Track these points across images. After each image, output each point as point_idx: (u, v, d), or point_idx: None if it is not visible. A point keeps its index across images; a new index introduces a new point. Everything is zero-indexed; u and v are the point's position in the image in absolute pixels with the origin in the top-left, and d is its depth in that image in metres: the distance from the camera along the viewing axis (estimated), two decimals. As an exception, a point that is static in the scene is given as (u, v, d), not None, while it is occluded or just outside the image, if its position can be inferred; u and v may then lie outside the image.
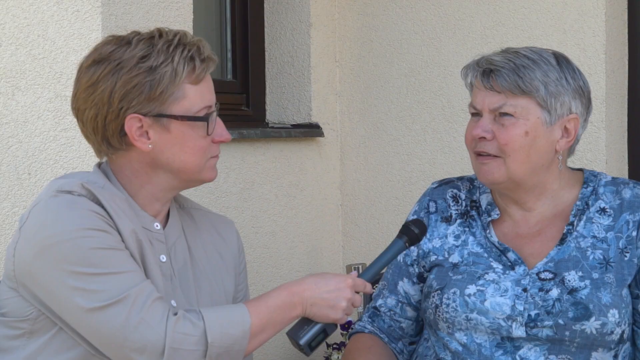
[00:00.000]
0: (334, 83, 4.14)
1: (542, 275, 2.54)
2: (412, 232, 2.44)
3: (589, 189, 2.63)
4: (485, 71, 2.54)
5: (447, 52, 3.90)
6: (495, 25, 3.80)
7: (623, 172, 3.77)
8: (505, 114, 2.51)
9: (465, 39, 3.86)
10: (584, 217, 2.60)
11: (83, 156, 2.97)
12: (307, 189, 4.02)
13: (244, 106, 3.99)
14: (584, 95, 2.58)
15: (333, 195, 4.16)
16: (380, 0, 4.04)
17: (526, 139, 2.51)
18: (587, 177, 2.66)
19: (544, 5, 3.71)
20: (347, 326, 3.56)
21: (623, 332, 2.52)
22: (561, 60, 2.57)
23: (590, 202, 2.61)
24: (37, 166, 3.00)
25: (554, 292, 2.51)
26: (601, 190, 2.63)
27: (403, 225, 2.48)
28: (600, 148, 3.64)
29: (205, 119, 2.29)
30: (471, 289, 2.56)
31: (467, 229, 2.67)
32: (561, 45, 3.62)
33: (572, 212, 2.60)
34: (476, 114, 2.58)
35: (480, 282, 2.56)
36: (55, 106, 2.98)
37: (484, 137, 2.54)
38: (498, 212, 2.65)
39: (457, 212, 2.71)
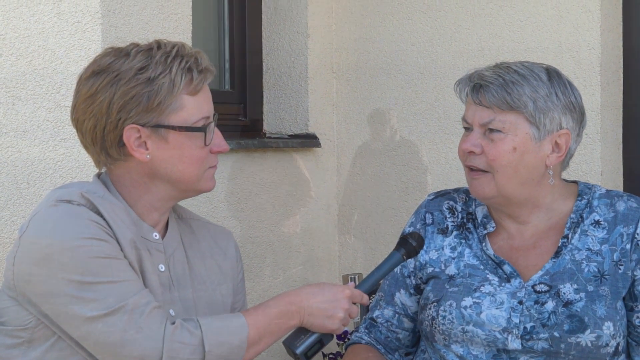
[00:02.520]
0: (332, 94, 4.16)
1: (538, 288, 2.56)
2: (410, 245, 2.46)
3: (584, 201, 2.65)
4: (475, 86, 2.56)
5: (443, 63, 3.92)
6: (491, 38, 3.82)
7: (618, 184, 3.79)
8: (494, 130, 2.53)
9: (461, 50, 3.88)
10: (579, 230, 2.61)
11: (82, 166, 2.99)
12: (304, 199, 4.04)
13: (241, 116, 4.01)
14: (576, 111, 2.58)
15: (330, 205, 4.17)
16: (377, 11, 4.06)
17: (514, 154, 2.53)
18: (581, 190, 2.68)
19: (539, 18, 3.74)
20: (343, 336, 3.58)
21: (618, 344, 2.54)
22: (552, 76, 2.58)
23: (584, 215, 2.63)
24: (36, 176, 3.02)
25: (550, 305, 2.52)
26: (595, 202, 2.64)
27: (400, 238, 2.49)
28: (596, 160, 3.66)
29: (203, 129, 2.31)
30: (467, 301, 2.57)
31: (463, 240, 2.69)
32: (557, 58, 3.64)
33: (567, 225, 2.62)
34: (468, 128, 2.61)
35: (477, 294, 2.57)
36: (55, 116, 2.99)
37: (473, 152, 2.56)
38: (494, 224, 2.67)
39: (453, 224, 2.72)
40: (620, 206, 2.64)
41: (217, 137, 2.37)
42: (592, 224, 2.62)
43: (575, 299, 2.52)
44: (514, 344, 2.52)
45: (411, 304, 2.74)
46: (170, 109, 2.28)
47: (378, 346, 2.77)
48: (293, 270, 3.99)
